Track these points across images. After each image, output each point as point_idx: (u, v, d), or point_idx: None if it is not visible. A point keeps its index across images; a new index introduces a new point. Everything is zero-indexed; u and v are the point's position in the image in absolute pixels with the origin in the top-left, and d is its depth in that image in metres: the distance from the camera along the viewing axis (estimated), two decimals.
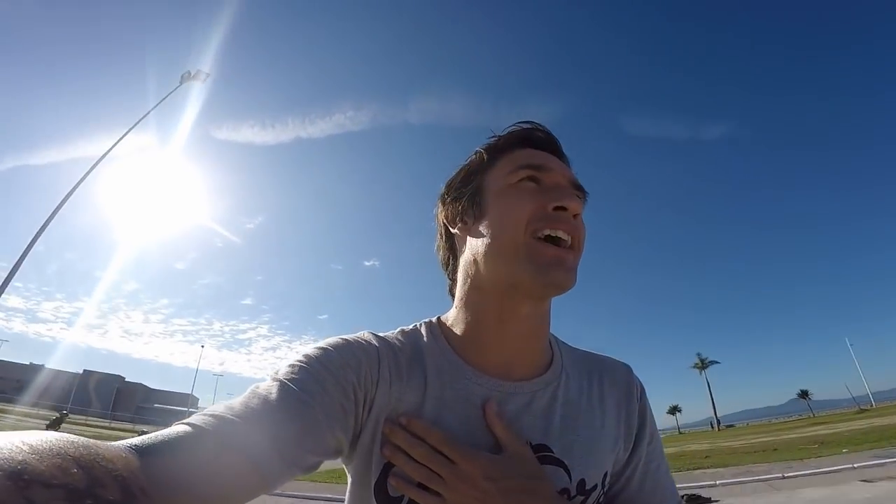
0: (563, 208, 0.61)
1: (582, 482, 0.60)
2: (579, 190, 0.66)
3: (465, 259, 0.67)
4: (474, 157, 0.71)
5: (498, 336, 0.63)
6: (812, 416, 70.07)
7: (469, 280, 0.66)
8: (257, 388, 0.52)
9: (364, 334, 0.64)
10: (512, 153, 0.68)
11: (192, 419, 0.45)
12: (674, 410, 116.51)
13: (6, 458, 0.26)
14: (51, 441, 0.29)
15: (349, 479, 0.62)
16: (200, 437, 0.43)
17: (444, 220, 0.72)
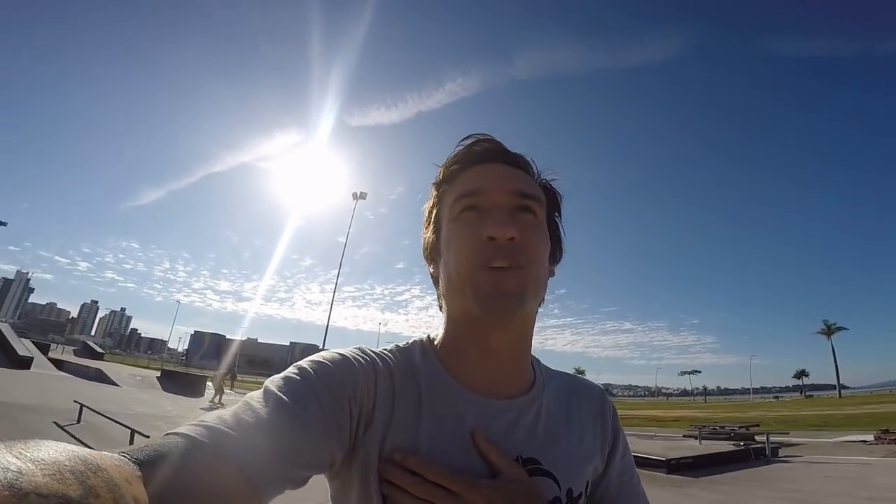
0: (494, 238, 0.61)
1: (570, 491, 0.64)
2: (525, 198, 0.65)
3: (440, 291, 0.70)
4: (433, 189, 0.73)
5: (480, 361, 0.65)
6: None
7: (445, 312, 0.69)
8: (251, 399, 0.52)
9: (360, 350, 0.64)
10: (455, 181, 0.69)
11: (186, 430, 0.45)
12: (800, 375, 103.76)
13: (2, 468, 0.26)
14: (47, 451, 0.30)
15: (331, 492, 0.63)
16: (195, 450, 0.43)
17: (423, 255, 0.74)
